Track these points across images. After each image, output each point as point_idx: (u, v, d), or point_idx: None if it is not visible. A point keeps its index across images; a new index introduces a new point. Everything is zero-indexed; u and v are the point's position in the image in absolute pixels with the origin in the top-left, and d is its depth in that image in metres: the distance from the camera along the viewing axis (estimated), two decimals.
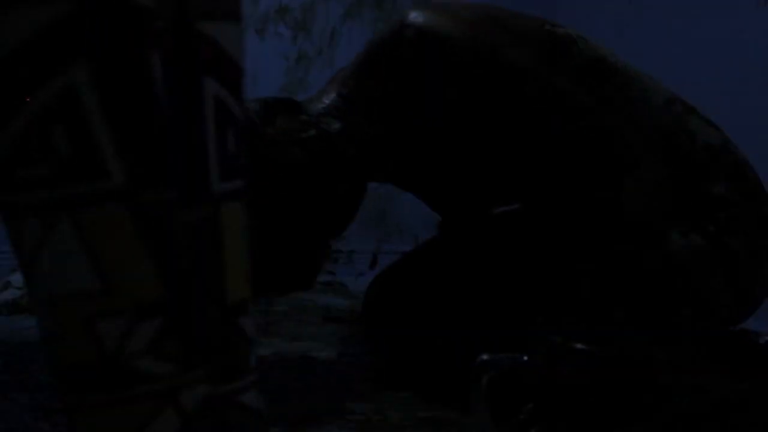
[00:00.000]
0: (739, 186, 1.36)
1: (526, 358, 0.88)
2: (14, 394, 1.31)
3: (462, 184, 1.43)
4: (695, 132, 1.37)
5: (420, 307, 1.50)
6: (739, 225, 1.33)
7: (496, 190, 1.41)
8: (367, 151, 1.36)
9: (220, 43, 0.51)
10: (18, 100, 0.47)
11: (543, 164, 1.33)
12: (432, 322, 1.48)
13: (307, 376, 1.49)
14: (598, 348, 0.86)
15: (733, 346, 0.91)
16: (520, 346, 0.90)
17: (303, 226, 1.32)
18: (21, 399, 1.28)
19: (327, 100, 1.37)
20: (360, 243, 2.51)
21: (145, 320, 0.49)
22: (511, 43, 1.31)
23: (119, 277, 0.48)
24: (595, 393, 0.81)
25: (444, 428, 1.22)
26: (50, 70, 0.47)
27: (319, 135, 1.32)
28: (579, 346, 0.83)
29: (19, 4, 0.46)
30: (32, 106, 0.47)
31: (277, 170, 1.29)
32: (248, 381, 0.53)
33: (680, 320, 1.25)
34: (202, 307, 0.50)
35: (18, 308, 1.98)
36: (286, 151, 1.31)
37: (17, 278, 2.03)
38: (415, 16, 1.32)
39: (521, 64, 1.29)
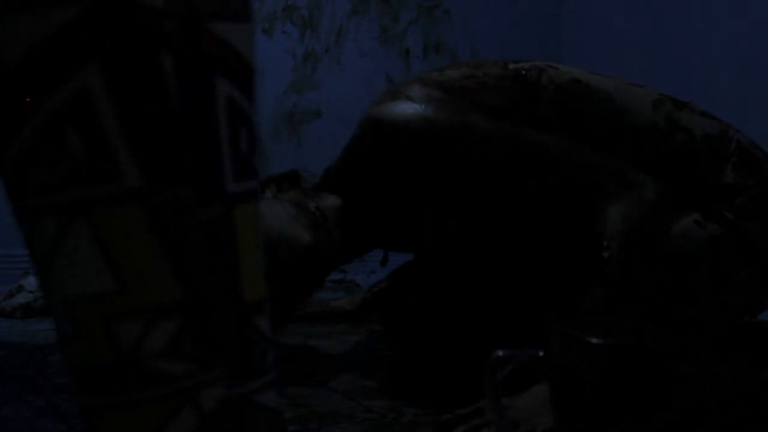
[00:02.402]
0: (748, 169, 1.35)
1: (541, 352, 0.87)
2: (29, 396, 1.32)
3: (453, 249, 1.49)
4: (691, 127, 1.37)
5: (435, 303, 1.50)
6: (756, 208, 1.32)
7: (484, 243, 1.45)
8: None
9: (231, 43, 0.51)
10: (31, 104, 0.47)
11: (525, 215, 1.35)
12: (447, 318, 1.48)
13: (320, 374, 1.49)
14: (614, 340, 0.86)
15: (751, 336, 0.91)
16: (536, 340, 0.90)
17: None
18: (36, 401, 1.29)
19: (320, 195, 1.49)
20: None
21: (162, 321, 0.49)
22: (474, 111, 1.32)
23: (135, 278, 0.48)
24: (611, 385, 0.80)
25: None
26: (62, 74, 0.47)
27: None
28: (594, 339, 0.82)
29: (29, 10, 0.46)
30: (45, 109, 0.47)
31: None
32: (265, 381, 0.52)
33: (702, 310, 1.25)
34: (218, 307, 0.50)
35: (31, 311, 1.99)
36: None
37: (30, 281, 2.03)
38: (378, 111, 1.36)
39: (484, 132, 1.30)
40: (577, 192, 1.26)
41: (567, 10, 2.80)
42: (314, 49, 2.59)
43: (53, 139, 0.47)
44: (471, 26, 2.75)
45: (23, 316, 1.98)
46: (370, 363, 1.57)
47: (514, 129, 1.30)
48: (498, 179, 1.31)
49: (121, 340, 0.49)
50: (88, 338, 0.49)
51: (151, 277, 0.48)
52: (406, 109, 1.32)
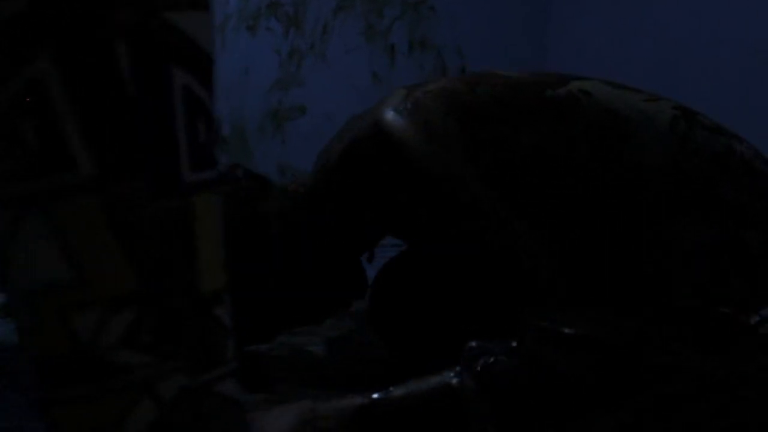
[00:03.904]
0: (749, 184, 1.35)
1: (515, 344, 0.87)
2: (8, 393, 1.31)
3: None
4: (700, 147, 1.36)
5: (425, 299, 1.50)
6: (755, 219, 1.32)
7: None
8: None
9: (187, 32, 0.50)
10: None
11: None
12: (436, 314, 1.48)
13: (304, 370, 1.48)
14: (587, 331, 0.86)
15: (723, 326, 0.91)
16: (509, 332, 0.90)
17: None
18: (15, 399, 1.28)
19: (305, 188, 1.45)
20: None
21: (120, 311, 0.48)
22: (480, 161, 1.28)
23: (92, 269, 0.48)
24: (582, 376, 0.81)
25: None
26: (15, 63, 0.46)
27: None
28: (567, 330, 0.82)
29: None
30: None
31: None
32: (225, 370, 0.52)
33: (688, 304, 1.24)
34: (176, 297, 0.50)
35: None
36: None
37: None
38: (387, 119, 1.29)
39: (465, 197, 1.26)
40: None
41: (554, 7, 2.80)
42: (299, 45, 2.59)
43: (6, 130, 0.47)
44: (456, 22, 2.75)
45: (5, 315, 1.98)
46: (356, 359, 1.57)
47: (497, 204, 1.26)
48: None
49: (79, 331, 0.48)
50: (45, 329, 0.49)
51: (107, 267, 0.48)
52: (411, 133, 1.28)
